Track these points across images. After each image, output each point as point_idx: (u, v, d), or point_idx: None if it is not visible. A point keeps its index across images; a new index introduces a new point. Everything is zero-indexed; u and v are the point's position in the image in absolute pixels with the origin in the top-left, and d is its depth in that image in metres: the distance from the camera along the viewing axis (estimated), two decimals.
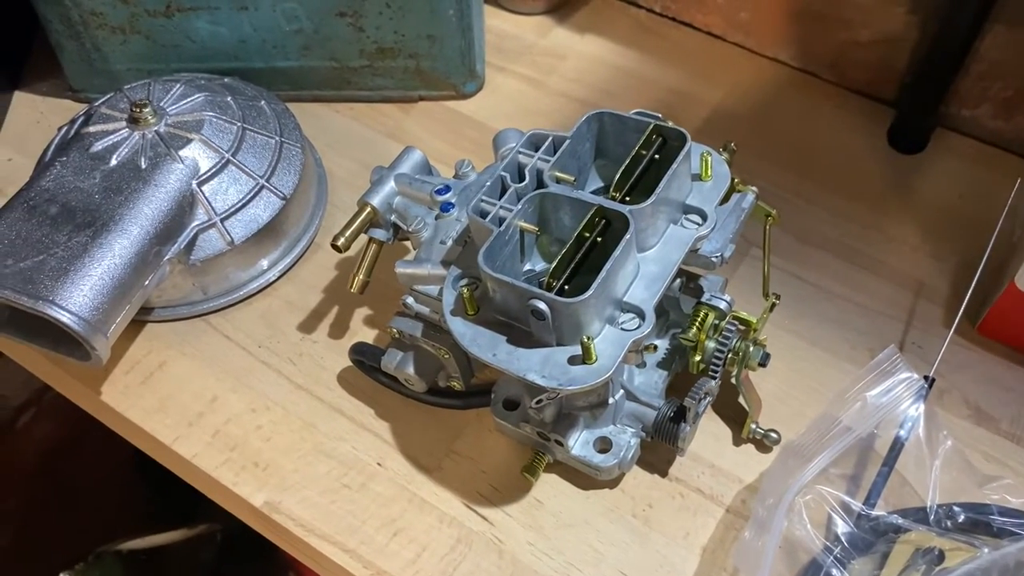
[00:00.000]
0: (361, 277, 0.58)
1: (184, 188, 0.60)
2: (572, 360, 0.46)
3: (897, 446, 0.52)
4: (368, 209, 0.57)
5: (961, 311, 0.58)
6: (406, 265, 0.54)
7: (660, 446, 0.54)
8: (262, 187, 0.63)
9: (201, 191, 0.61)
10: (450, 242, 0.54)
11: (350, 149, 0.74)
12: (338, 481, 0.56)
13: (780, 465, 0.53)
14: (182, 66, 0.73)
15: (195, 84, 0.65)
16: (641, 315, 0.47)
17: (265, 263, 0.65)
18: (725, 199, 0.53)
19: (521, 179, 0.51)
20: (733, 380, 0.55)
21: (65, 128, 0.66)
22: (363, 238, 0.58)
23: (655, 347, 0.56)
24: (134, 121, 0.62)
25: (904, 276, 0.66)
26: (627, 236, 0.46)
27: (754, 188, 0.54)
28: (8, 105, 0.78)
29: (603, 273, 0.45)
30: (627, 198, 0.51)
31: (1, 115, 0.77)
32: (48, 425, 1.14)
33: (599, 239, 0.49)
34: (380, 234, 0.58)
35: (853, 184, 0.71)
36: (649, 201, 0.48)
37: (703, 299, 0.54)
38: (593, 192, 0.54)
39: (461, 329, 0.49)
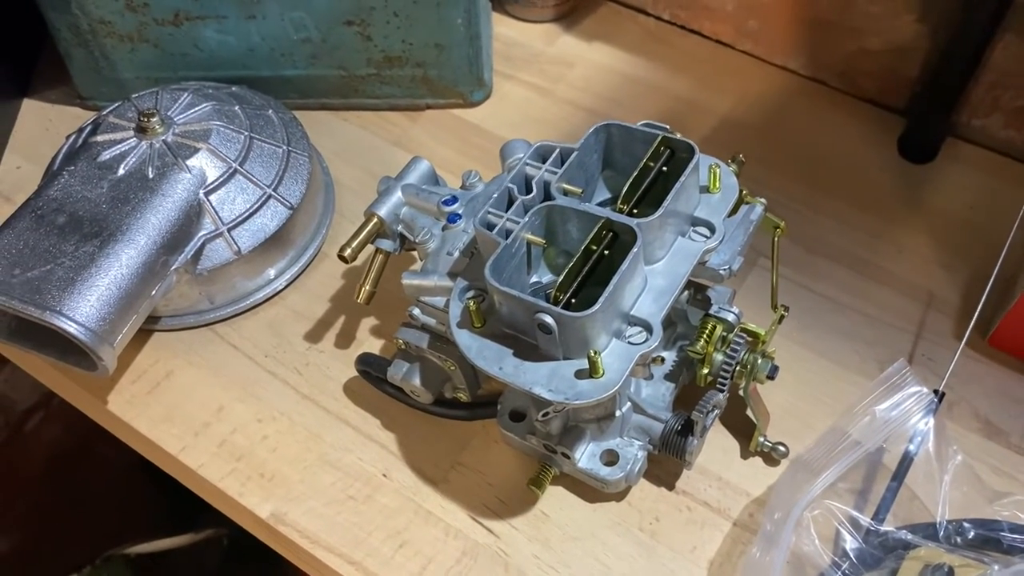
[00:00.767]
0: (367, 287, 0.57)
1: (191, 198, 0.60)
2: (579, 374, 0.46)
3: (906, 461, 0.52)
4: (375, 220, 0.57)
5: (972, 323, 0.58)
6: (412, 276, 0.54)
7: (667, 459, 0.54)
8: (269, 196, 0.63)
9: (208, 200, 0.61)
10: (457, 253, 0.54)
11: (357, 157, 0.74)
12: (344, 492, 0.56)
13: (788, 479, 0.53)
14: (190, 74, 0.74)
15: (203, 93, 0.65)
16: (648, 329, 0.47)
17: (272, 272, 0.65)
18: (733, 211, 0.53)
19: (528, 191, 0.51)
20: (741, 392, 0.55)
21: (73, 137, 0.66)
22: (369, 248, 0.58)
23: (662, 359, 0.56)
24: (142, 130, 0.62)
25: (914, 287, 0.65)
26: (634, 249, 0.46)
27: (762, 200, 0.54)
28: (17, 112, 0.78)
29: (610, 287, 0.45)
30: (635, 210, 0.51)
31: (10, 122, 0.77)
32: (56, 429, 1.15)
33: (606, 252, 0.48)
34: (387, 244, 0.58)
35: (862, 194, 0.71)
36: (657, 214, 0.47)
37: (711, 311, 0.54)
38: (600, 204, 0.54)
39: (467, 342, 0.48)
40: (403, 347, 0.55)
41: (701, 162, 0.51)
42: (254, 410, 0.60)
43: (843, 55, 0.76)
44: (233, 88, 0.69)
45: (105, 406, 0.61)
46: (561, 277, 0.47)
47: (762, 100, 0.78)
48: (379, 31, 0.71)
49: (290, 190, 0.64)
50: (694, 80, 0.80)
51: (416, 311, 0.54)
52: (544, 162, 0.52)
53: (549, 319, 0.45)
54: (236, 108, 0.65)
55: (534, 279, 0.52)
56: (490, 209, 0.50)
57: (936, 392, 0.53)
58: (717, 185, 0.52)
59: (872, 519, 0.51)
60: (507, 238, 0.48)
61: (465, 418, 0.59)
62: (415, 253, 0.60)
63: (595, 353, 0.45)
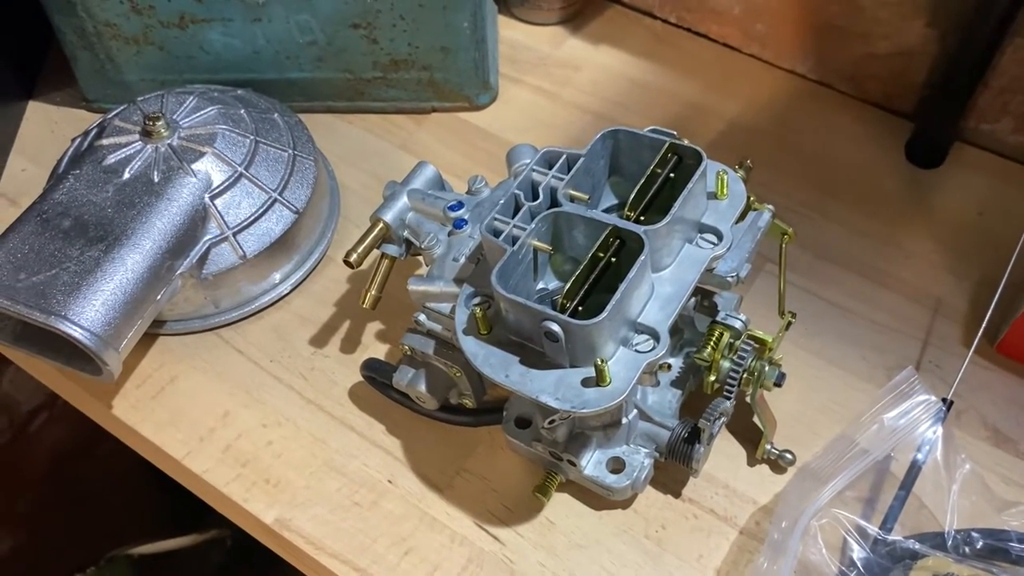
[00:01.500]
0: (373, 293, 0.57)
1: (197, 202, 0.60)
2: (586, 382, 0.46)
3: (914, 469, 0.52)
4: (380, 225, 0.57)
5: (981, 330, 0.57)
6: (418, 282, 0.54)
7: (674, 466, 0.54)
8: (275, 200, 0.63)
9: (214, 205, 0.61)
10: (463, 259, 0.54)
11: (363, 161, 0.74)
12: (349, 498, 0.56)
13: (795, 487, 0.53)
14: (196, 77, 0.73)
15: (208, 97, 0.65)
16: (656, 336, 0.47)
17: (277, 277, 0.65)
18: (741, 217, 0.53)
19: (535, 197, 0.51)
20: (748, 399, 0.54)
21: (79, 140, 0.66)
22: (375, 253, 0.58)
23: (669, 366, 0.56)
24: (147, 134, 0.62)
25: (922, 293, 0.65)
26: (642, 257, 0.46)
27: (770, 207, 0.54)
28: (22, 115, 0.78)
29: (617, 295, 0.45)
30: (642, 217, 0.50)
31: (15, 125, 0.77)
32: (61, 429, 1.15)
33: (613, 259, 0.48)
34: (392, 250, 0.58)
35: (870, 199, 0.70)
36: (664, 221, 0.47)
37: (718, 318, 0.53)
38: (607, 210, 0.54)
39: (473, 349, 0.48)
40: (409, 353, 0.55)
41: (708, 168, 0.51)
42: (259, 415, 0.60)
43: (851, 59, 0.76)
44: (239, 91, 0.69)
45: (110, 410, 0.61)
46: (568, 284, 0.47)
47: (769, 104, 0.78)
48: (385, 34, 0.71)
49: (295, 194, 0.64)
50: (701, 84, 0.79)
51: (422, 317, 0.54)
52: (551, 168, 0.51)
53: (556, 327, 0.44)
54: (241, 111, 0.65)
55: (541, 286, 0.51)
56: (496, 215, 0.49)
57: (944, 400, 0.53)
58: (724, 191, 0.52)
59: (880, 528, 0.50)
60: (513, 245, 0.48)
61: (471, 424, 0.58)
62: (421, 258, 0.60)
63: (602, 361, 0.45)
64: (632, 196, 0.50)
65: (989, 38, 0.67)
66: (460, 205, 0.56)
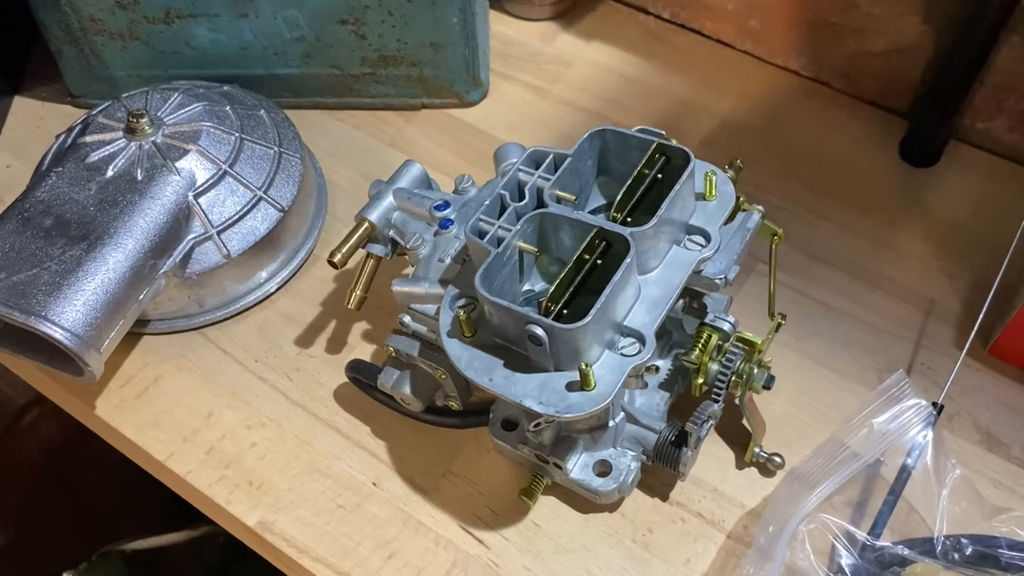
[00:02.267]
0: (358, 293, 0.57)
1: (180, 200, 0.59)
2: (570, 386, 0.45)
3: (904, 474, 0.51)
4: (366, 224, 0.56)
5: (973, 332, 0.57)
6: (403, 283, 0.53)
7: (661, 469, 0.53)
8: (260, 199, 0.62)
9: (198, 203, 0.60)
10: (448, 260, 0.53)
11: (351, 158, 0.73)
12: (333, 501, 0.56)
13: (784, 491, 0.52)
14: (182, 73, 0.73)
15: (193, 93, 0.64)
16: (642, 340, 0.46)
17: (263, 275, 0.64)
18: (730, 218, 0.52)
19: (521, 197, 0.50)
20: (737, 402, 0.54)
21: (63, 137, 0.65)
22: (361, 253, 0.57)
23: (657, 368, 0.55)
24: (131, 131, 0.61)
25: (914, 294, 0.64)
26: (628, 259, 0.45)
27: (760, 207, 0.53)
28: (7, 111, 0.77)
29: (602, 298, 0.44)
30: (629, 219, 0.50)
31: (0, 121, 0.76)
32: (52, 424, 1.14)
33: (599, 261, 0.47)
34: (378, 249, 0.57)
35: (863, 198, 0.70)
36: (651, 223, 0.46)
37: (706, 320, 0.53)
38: (595, 210, 0.53)
39: (457, 352, 0.48)
40: (394, 354, 0.55)
41: (697, 168, 0.50)
42: (243, 416, 0.59)
43: (845, 56, 0.75)
44: (225, 88, 0.68)
45: (93, 410, 0.60)
46: (552, 287, 0.46)
47: (762, 101, 0.77)
48: (373, 30, 0.70)
49: (281, 192, 0.63)
50: (694, 80, 0.78)
51: (407, 318, 0.54)
52: (537, 168, 0.51)
53: (539, 331, 0.44)
54: (227, 108, 0.64)
55: (527, 287, 0.51)
56: (482, 216, 0.49)
57: (935, 405, 0.52)
58: (713, 192, 0.51)
59: (868, 534, 0.50)
60: (499, 246, 0.47)
61: (457, 426, 0.58)
62: (408, 257, 0.59)
63: (586, 366, 0.44)
64: (619, 197, 0.49)
65: (985, 35, 0.66)
66: (446, 205, 0.55)
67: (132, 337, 0.62)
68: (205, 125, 0.62)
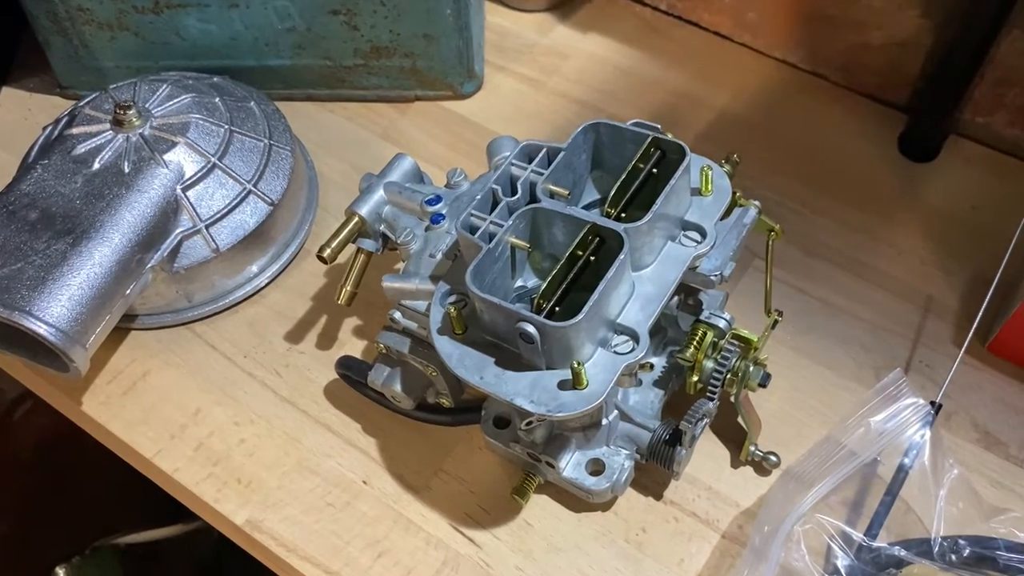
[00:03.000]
0: (348, 288, 0.56)
1: (168, 194, 0.59)
2: (562, 385, 0.44)
3: (901, 474, 0.50)
4: (356, 219, 0.55)
5: (972, 329, 0.56)
6: (393, 279, 0.52)
7: (655, 468, 0.52)
8: (249, 192, 0.61)
9: (186, 196, 0.59)
10: (439, 255, 0.52)
11: (343, 150, 0.72)
12: (322, 499, 0.55)
13: (779, 491, 0.51)
14: (172, 63, 0.72)
15: (182, 84, 0.63)
16: (635, 338, 0.45)
17: (252, 270, 0.63)
18: (726, 214, 0.51)
19: (513, 192, 0.49)
20: (732, 400, 0.53)
21: (49, 128, 0.64)
22: (351, 247, 0.56)
23: (651, 366, 0.55)
24: (118, 123, 0.60)
25: (913, 291, 0.64)
26: (621, 256, 0.44)
27: (756, 203, 0.52)
28: None
29: (595, 295, 0.43)
30: (623, 214, 0.49)
31: None
32: (45, 418, 1.13)
33: (593, 257, 0.47)
34: (368, 244, 0.56)
35: (861, 193, 0.69)
36: (645, 219, 0.46)
37: (702, 317, 0.52)
38: (589, 205, 0.52)
39: (448, 349, 0.47)
40: (384, 351, 0.54)
41: (693, 163, 0.49)
42: (232, 413, 0.58)
43: (844, 49, 0.74)
44: (214, 79, 0.67)
45: (79, 407, 0.59)
46: (545, 284, 0.45)
47: (760, 94, 0.76)
48: (366, 20, 0.69)
49: (271, 185, 0.62)
50: (691, 73, 0.77)
51: (397, 315, 0.53)
52: (530, 162, 0.50)
53: (531, 328, 0.43)
54: (216, 100, 0.63)
55: (519, 283, 0.50)
56: (473, 211, 0.48)
57: (933, 404, 0.51)
58: (709, 187, 0.50)
59: (865, 534, 0.49)
60: (490, 242, 0.46)
61: (448, 424, 0.57)
62: (399, 253, 0.59)
63: (579, 364, 0.43)
64: (613, 192, 0.48)
65: (985, 29, 0.65)
66: (438, 199, 0.54)
67: (119, 332, 0.61)
68: (194, 117, 0.61)
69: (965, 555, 0.48)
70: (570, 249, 0.46)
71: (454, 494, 0.55)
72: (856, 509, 0.52)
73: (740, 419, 0.54)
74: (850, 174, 0.70)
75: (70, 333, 0.53)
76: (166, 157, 0.59)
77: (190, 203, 0.59)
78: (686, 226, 0.49)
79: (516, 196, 0.49)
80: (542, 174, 0.49)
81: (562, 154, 0.49)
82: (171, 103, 0.62)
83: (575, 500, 0.54)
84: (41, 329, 0.52)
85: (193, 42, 0.71)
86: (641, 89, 0.77)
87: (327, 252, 0.54)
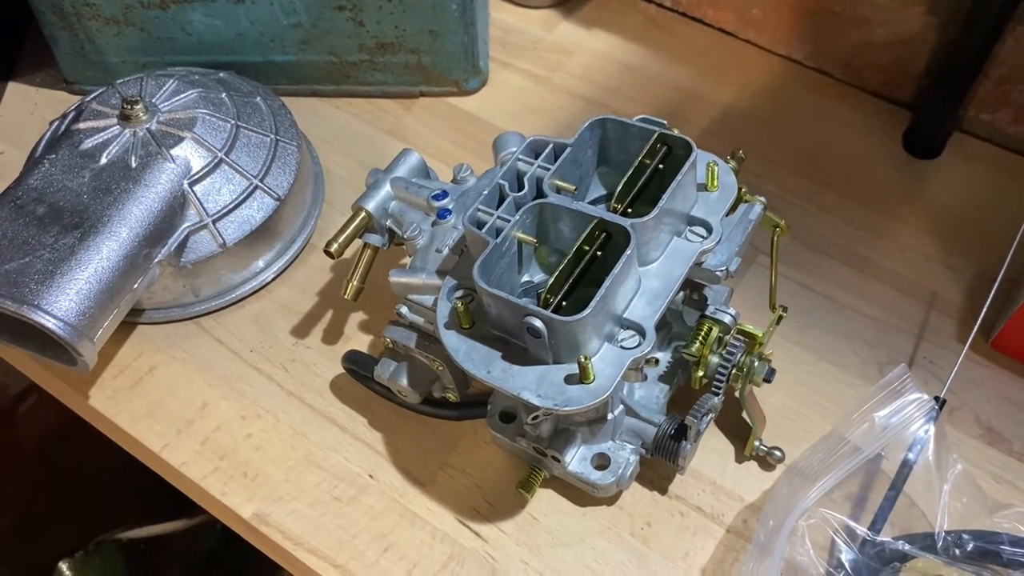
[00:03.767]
0: (355, 283, 0.56)
1: (175, 188, 0.59)
2: (569, 379, 0.45)
3: (905, 469, 0.50)
4: (362, 214, 0.55)
5: (976, 326, 0.56)
6: (400, 274, 0.52)
7: (660, 462, 0.53)
8: (255, 187, 0.61)
9: (193, 191, 0.59)
10: (446, 250, 0.52)
11: (349, 146, 0.73)
12: (328, 493, 0.55)
13: (784, 486, 0.51)
14: (178, 59, 0.72)
15: (189, 80, 0.64)
16: (642, 332, 0.46)
17: (259, 265, 0.63)
18: (732, 210, 0.51)
19: (520, 187, 0.49)
20: (737, 395, 0.53)
21: (56, 123, 0.64)
22: (358, 243, 0.56)
23: (657, 360, 0.55)
24: (125, 118, 0.60)
25: (917, 287, 0.64)
26: (628, 251, 0.44)
27: (762, 199, 0.52)
28: (1, 96, 0.76)
29: (602, 290, 0.43)
30: (629, 209, 0.49)
31: None
32: (49, 412, 1.14)
33: (599, 252, 0.47)
34: (375, 239, 0.56)
35: (866, 190, 0.69)
36: (652, 214, 0.46)
37: (707, 312, 0.52)
38: (595, 201, 0.52)
39: (455, 344, 0.47)
40: (391, 345, 0.54)
41: (699, 159, 0.49)
42: (238, 407, 0.59)
43: (849, 46, 0.74)
44: (221, 74, 0.67)
45: (87, 401, 0.59)
46: (552, 279, 0.45)
47: (765, 91, 0.76)
48: (371, 16, 0.69)
49: (277, 180, 0.63)
50: (695, 70, 0.78)
51: (404, 309, 0.53)
52: (537, 157, 0.50)
53: (538, 323, 0.43)
54: (223, 95, 0.63)
55: (526, 278, 0.50)
56: (480, 206, 0.48)
57: (937, 399, 0.52)
58: (715, 183, 0.50)
59: (869, 529, 0.49)
60: (497, 237, 0.46)
61: (454, 418, 0.57)
62: (406, 248, 0.59)
63: (585, 358, 0.44)
64: (619, 187, 0.48)
65: (989, 26, 0.65)
66: (444, 194, 0.54)
67: (126, 327, 0.62)
68: (200, 112, 0.61)
69: (969, 549, 0.48)
70: (577, 244, 0.46)
71: (460, 488, 0.55)
72: (860, 504, 0.52)
73: (745, 414, 0.54)
74: (855, 171, 0.70)
75: (78, 327, 0.53)
76: (173, 152, 0.59)
77: (197, 198, 0.59)
78: (692, 222, 0.49)
79: (523, 191, 0.49)
80: (549, 169, 0.49)
81: (568, 150, 0.50)
82: (178, 98, 0.62)
83: (580, 494, 0.54)
84: (49, 323, 0.52)
85: (199, 38, 0.71)
86: (646, 85, 0.77)
87: (334, 247, 0.54)
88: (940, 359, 0.60)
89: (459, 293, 0.49)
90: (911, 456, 0.50)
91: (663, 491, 0.55)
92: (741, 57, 0.79)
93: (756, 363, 0.52)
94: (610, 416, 0.52)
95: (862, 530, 0.49)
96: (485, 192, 0.48)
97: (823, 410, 0.58)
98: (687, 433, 0.51)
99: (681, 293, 0.54)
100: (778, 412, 0.57)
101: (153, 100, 0.61)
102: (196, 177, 0.59)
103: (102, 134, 0.60)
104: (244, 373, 0.60)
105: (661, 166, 0.49)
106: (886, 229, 0.67)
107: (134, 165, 0.59)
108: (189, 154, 0.60)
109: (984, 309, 0.56)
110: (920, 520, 0.50)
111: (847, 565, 0.48)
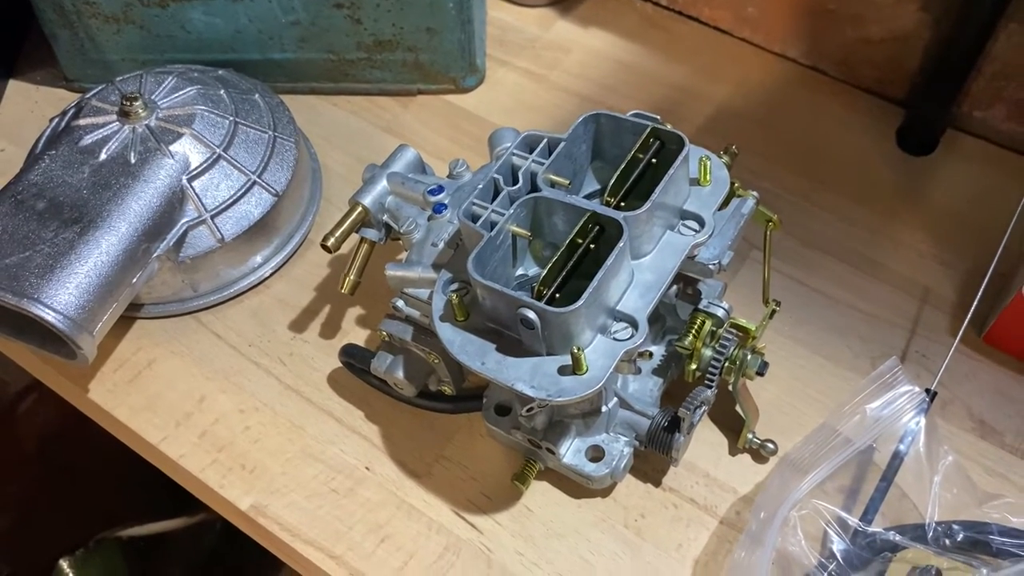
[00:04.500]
0: (352, 278, 0.57)
1: (174, 184, 0.59)
2: (562, 370, 0.45)
3: (896, 461, 0.51)
4: (359, 209, 0.56)
5: (967, 320, 0.57)
6: (396, 267, 0.53)
7: (654, 455, 0.53)
8: (254, 183, 0.62)
9: (191, 187, 0.60)
10: (442, 244, 0.53)
11: (346, 143, 0.73)
12: (326, 485, 0.56)
13: (776, 477, 0.52)
14: (177, 57, 0.72)
15: (188, 77, 0.64)
16: (634, 325, 0.46)
17: (257, 260, 0.64)
18: (724, 204, 0.52)
19: (515, 182, 0.50)
20: (730, 388, 0.54)
21: (56, 120, 0.65)
22: (354, 237, 0.57)
23: (650, 354, 0.55)
24: (125, 114, 0.61)
25: (910, 282, 0.64)
26: (620, 244, 0.45)
27: (755, 193, 0.53)
28: (2, 94, 0.77)
29: (594, 282, 0.44)
30: (622, 203, 0.49)
31: None
32: (50, 410, 1.14)
33: (592, 245, 0.47)
34: (372, 234, 0.57)
35: (860, 186, 0.70)
36: (644, 208, 0.46)
37: (700, 306, 0.53)
38: (590, 195, 0.53)
39: (450, 336, 0.47)
40: (387, 339, 0.55)
41: (691, 154, 0.50)
42: (236, 400, 0.59)
43: (843, 44, 0.75)
44: (219, 72, 0.68)
45: (86, 394, 0.60)
46: (545, 271, 0.46)
47: (760, 88, 0.77)
48: (369, 14, 0.70)
49: (275, 176, 0.63)
50: (691, 67, 0.78)
51: (400, 303, 0.53)
52: (531, 152, 0.50)
53: (531, 314, 0.44)
54: (221, 92, 0.64)
55: (520, 271, 0.51)
56: (475, 200, 0.48)
57: (928, 391, 0.52)
58: (707, 178, 0.51)
59: (860, 519, 0.50)
60: (492, 230, 0.47)
61: (450, 411, 0.58)
62: (401, 242, 0.59)
63: (578, 349, 0.44)
64: (612, 181, 0.49)
65: (982, 23, 0.66)
66: (440, 189, 0.55)
67: (125, 321, 0.62)
68: (199, 109, 0.62)
69: (959, 540, 0.49)
70: (570, 237, 0.47)
71: (456, 480, 0.56)
72: (852, 495, 0.52)
73: (738, 407, 0.55)
74: (849, 168, 0.71)
75: (78, 320, 0.54)
76: (172, 148, 0.60)
77: (195, 193, 0.60)
78: (685, 215, 0.50)
79: (517, 185, 0.49)
80: (543, 164, 0.50)
81: (563, 144, 0.50)
82: (177, 95, 0.63)
83: (575, 486, 0.54)
84: (49, 316, 0.53)
85: (198, 35, 0.71)
86: (642, 83, 0.77)
87: (331, 241, 0.55)
88: (933, 353, 0.61)
89: (454, 286, 0.49)
90: (902, 448, 0.51)
91: (657, 483, 0.55)
92: (736, 55, 0.79)
93: (749, 356, 0.52)
94: (604, 409, 0.52)
95: (853, 521, 0.50)
96: (480, 186, 0.49)
97: (816, 404, 0.58)
98: (680, 425, 0.52)
99: (675, 287, 0.55)
100: (771, 405, 0.58)
101: (152, 97, 0.62)
102: (195, 173, 0.60)
103: (102, 130, 0.60)
104: (242, 367, 0.61)
105: (654, 160, 0.50)
106: (880, 225, 0.67)
107: (133, 161, 0.59)
108: (188, 150, 0.60)
109: (975, 304, 0.56)
110: (911, 511, 0.51)
111: (839, 555, 0.49)
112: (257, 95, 0.66)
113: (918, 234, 0.67)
